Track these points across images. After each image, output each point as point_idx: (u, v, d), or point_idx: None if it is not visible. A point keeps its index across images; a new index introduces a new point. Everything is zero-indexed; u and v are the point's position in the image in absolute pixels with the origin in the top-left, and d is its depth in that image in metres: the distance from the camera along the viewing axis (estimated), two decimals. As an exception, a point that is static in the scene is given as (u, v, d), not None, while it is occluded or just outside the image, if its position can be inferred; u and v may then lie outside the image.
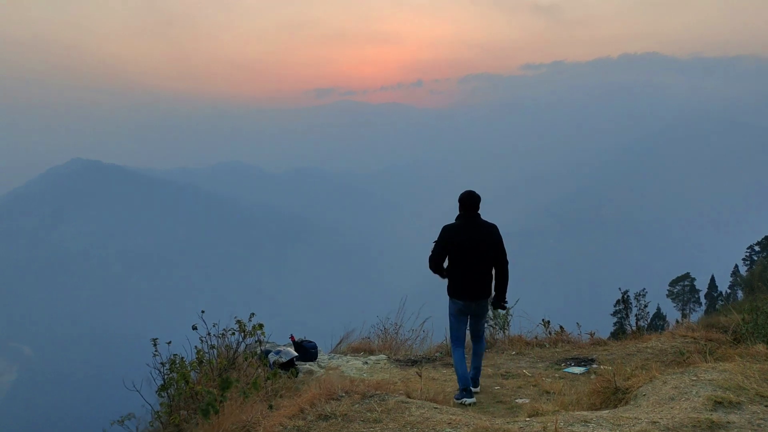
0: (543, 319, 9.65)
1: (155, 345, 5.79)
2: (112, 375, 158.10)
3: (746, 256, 78.11)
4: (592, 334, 9.20)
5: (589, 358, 7.50)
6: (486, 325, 8.85)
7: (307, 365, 7.34)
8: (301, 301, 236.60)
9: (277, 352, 6.74)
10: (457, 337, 6.45)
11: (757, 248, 76.50)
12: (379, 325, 10.34)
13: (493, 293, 6.35)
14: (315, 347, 7.83)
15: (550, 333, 9.30)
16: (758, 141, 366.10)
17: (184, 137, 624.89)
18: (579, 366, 7.15)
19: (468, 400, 6.11)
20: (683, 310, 77.16)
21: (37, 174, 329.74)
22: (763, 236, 75.50)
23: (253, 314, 6.42)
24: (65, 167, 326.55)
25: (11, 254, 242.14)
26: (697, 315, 73.18)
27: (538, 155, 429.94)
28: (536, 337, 9.24)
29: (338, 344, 10.25)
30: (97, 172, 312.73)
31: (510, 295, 6.50)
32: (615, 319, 66.78)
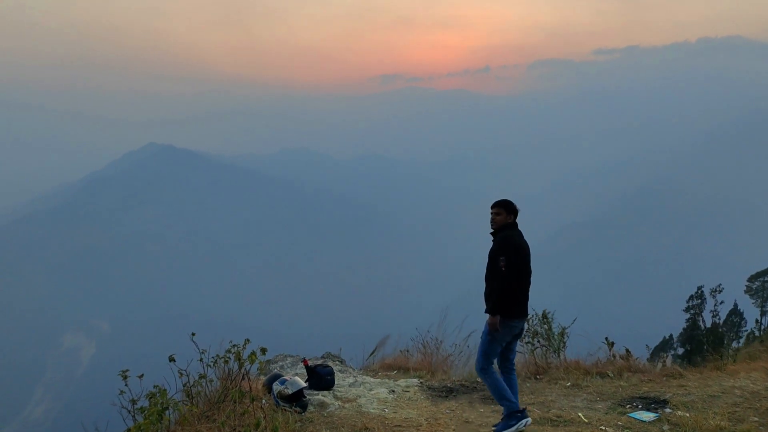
0: (606, 339, 8.34)
1: (125, 379, 4.84)
2: (182, 358, 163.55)
3: (833, 252, 73.03)
4: (664, 360, 7.81)
5: (661, 398, 6.17)
6: (537, 346, 7.64)
7: (320, 396, 6.29)
8: (366, 287, 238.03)
9: (283, 382, 5.72)
10: (491, 363, 5.59)
11: None
12: (418, 338, 9.28)
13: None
14: (331, 373, 6.77)
15: (614, 356, 7.96)
16: None
17: (252, 123, 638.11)
18: (648, 411, 5.83)
19: (524, 422, 5.31)
20: (762, 307, 72.94)
21: (115, 158, 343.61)
22: None
23: (248, 340, 5.42)
24: (141, 151, 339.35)
25: (90, 234, 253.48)
26: (776, 312, 69.08)
27: (611, 143, 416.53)
28: (598, 361, 7.94)
29: (371, 354, 9.26)
30: (170, 156, 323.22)
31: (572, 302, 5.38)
32: (687, 316, 63.82)
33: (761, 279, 73.84)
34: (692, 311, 67.83)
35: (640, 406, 6.00)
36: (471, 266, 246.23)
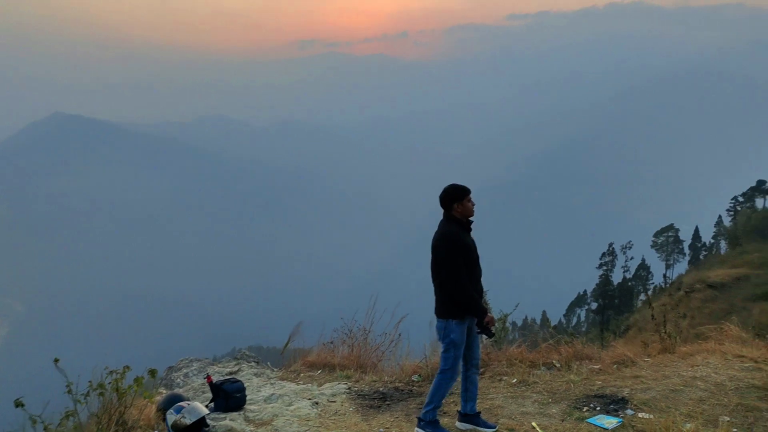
0: (543, 316, 7.64)
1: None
2: (107, 329, 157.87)
3: (730, 206, 77.01)
4: (613, 350, 7.21)
5: (620, 396, 5.49)
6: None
7: (228, 420, 5.23)
8: (292, 259, 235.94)
9: (179, 409, 4.62)
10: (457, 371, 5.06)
11: (741, 198, 75.42)
12: (344, 327, 8.32)
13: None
14: (241, 389, 5.71)
15: (558, 342, 7.29)
16: (744, 91, 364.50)
17: (165, 90, 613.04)
18: (608, 414, 5.13)
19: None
20: (667, 261, 76.50)
21: (17, 128, 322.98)
22: (748, 187, 74.39)
23: (127, 367, 4.30)
24: (46, 122, 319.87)
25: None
26: (681, 266, 72.63)
27: (523, 107, 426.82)
28: (541, 348, 7.25)
29: (285, 347, 8.29)
30: (79, 126, 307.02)
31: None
32: (600, 272, 66.08)
33: (666, 234, 77.50)
34: (604, 267, 70.39)
35: (598, 408, 5.30)
36: (396, 233, 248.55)
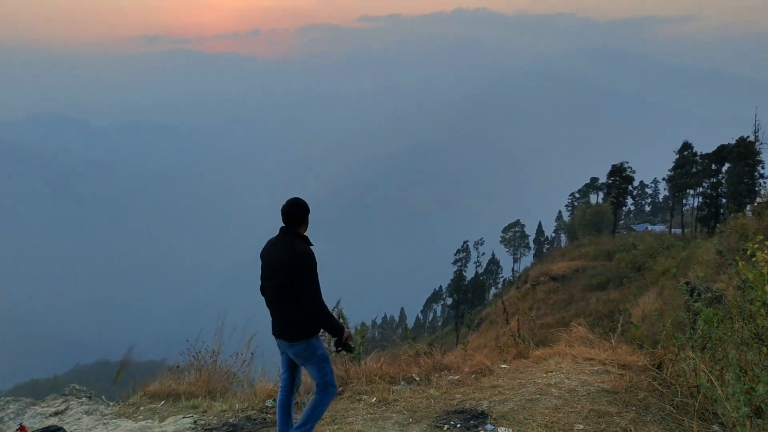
0: (401, 313, 7.48)
1: None
2: None
3: (568, 202, 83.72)
4: (471, 359, 7.19)
5: (479, 410, 5.39)
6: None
7: (44, 480, 4.50)
8: (138, 258, 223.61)
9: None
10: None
11: (577, 195, 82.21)
12: (190, 350, 7.63)
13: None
14: (62, 440, 4.95)
15: (417, 353, 7.14)
16: (579, 95, 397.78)
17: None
18: (468, 430, 4.99)
19: None
20: (515, 255, 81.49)
21: None
22: (582, 184, 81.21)
23: None
24: None
25: None
26: (527, 259, 77.54)
27: (377, 108, 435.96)
28: (399, 361, 7.07)
29: (117, 375, 7.51)
30: None
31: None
32: (455, 268, 68.81)
33: (513, 230, 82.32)
34: (459, 263, 73.30)
35: (458, 425, 5.15)
36: (248, 236, 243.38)
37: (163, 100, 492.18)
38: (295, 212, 4.47)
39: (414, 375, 6.51)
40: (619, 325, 7.16)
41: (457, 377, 6.40)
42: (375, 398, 5.94)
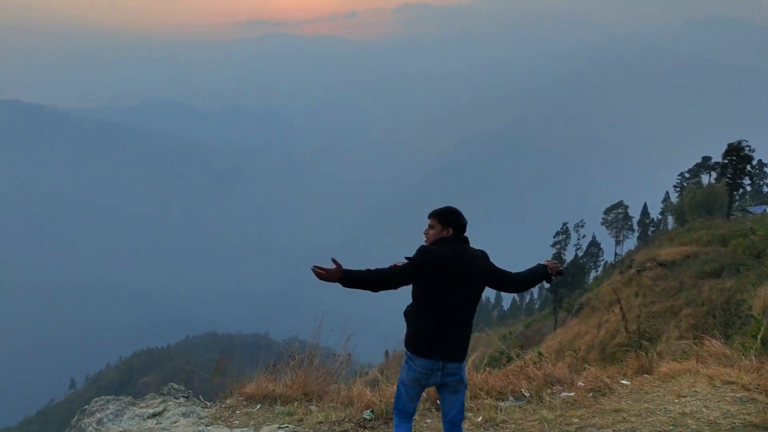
0: (509, 333, 6.93)
1: None
2: (49, 320, 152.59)
3: (677, 183, 78.75)
4: (587, 373, 6.53)
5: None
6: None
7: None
8: (243, 236, 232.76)
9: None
10: (404, 411, 3.98)
11: (687, 175, 77.12)
12: (287, 350, 7.40)
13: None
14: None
15: (525, 362, 6.57)
16: (687, 69, 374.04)
17: (107, 73, 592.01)
18: (591, 467, 4.41)
19: None
20: (617, 237, 77.88)
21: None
22: (694, 163, 76.08)
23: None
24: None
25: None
26: (630, 242, 73.98)
27: (475, 86, 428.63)
28: (504, 363, 6.53)
29: (214, 373, 7.43)
30: (17, 112, 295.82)
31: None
32: (554, 251, 66.67)
33: (615, 211, 78.67)
34: (558, 246, 70.81)
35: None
36: (349, 213, 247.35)
37: (265, 84, 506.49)
38: (463, 222, 4.09)
39: (523, 390, 5.94)
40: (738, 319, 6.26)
41: (572, 394, 5.78)
42: (481, 417, 5.44)
